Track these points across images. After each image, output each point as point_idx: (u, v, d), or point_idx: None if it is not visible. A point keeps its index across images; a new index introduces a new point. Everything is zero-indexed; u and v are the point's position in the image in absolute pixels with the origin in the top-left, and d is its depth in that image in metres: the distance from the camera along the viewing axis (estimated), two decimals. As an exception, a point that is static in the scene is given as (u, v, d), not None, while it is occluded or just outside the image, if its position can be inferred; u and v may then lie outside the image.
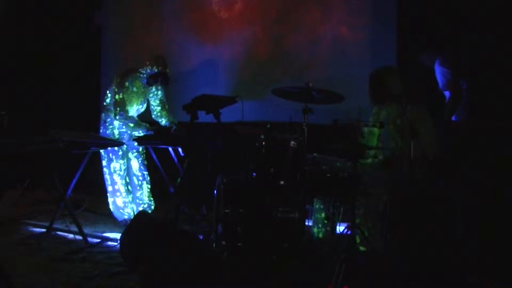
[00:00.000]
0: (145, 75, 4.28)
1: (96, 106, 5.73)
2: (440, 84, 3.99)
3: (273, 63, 4.99)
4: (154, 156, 4.52)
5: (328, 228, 3.47)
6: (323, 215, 3.53)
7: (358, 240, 3.28)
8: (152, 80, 4.31)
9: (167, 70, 4.30)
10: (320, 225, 3.64)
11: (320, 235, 3.62)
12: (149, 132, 4.17)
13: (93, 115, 5.65)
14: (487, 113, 3.98)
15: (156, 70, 4.24)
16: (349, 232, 3.07)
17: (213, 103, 4.05)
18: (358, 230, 3.22)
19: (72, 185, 4.13)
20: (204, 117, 4.07)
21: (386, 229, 3.35)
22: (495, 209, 3.76)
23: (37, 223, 4.37)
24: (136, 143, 4.23)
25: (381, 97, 3.62)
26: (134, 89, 4.25)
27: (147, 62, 4.26)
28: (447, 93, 3.98)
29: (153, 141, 4.22)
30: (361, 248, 3.31)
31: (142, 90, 4.32)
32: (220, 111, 4.03)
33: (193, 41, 5.30)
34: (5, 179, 4.76)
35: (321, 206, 3.61)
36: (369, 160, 3.63)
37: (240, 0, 5.12)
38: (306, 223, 3.48)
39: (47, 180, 4.76)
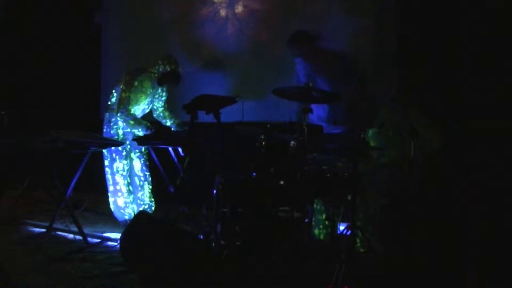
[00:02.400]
0: (156, 75, 4.28)
1: (96, 106, 5.74)
2: (301, 76, 4.52)
3: (273, 63, 4.98)
4: (154, 156, 4.52)
5: (329, 230, 3.47)
6: (324, 216, 3.53)
7: (358, 243, 3.29)
8: (164, 80, 4.31)
9: (179, 69, 4.32)
10: (321, 227, 3.64)
11: (322, 237, 3.63)
12: (149, 131, 4.16)
13: (93, 115, 5.67)
14: (487, 113, 3.99)
15: (169, 69, 4.26)
16: (349, 232, 3.07)
17: (213, 103, 4.04)
18: (359, 231, 3.22)
19: (72, 185, 4.14)
20: (204, 117, 4.07)
21: (386, 230, 3.36)
22: (495, 209, 3.76)
23: (37, 223, 4.37)
24: (136, 143, 4.23)
25: None
26: (143, 89, 4.23)
27: (159, 62, 4.27)
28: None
29: (153, 141, 4.22)
30: (361, 251, 3.31)
31: (151, 90, 4.32)
32: (220, 111, 4.02)
33: (192, 41, 5.29)
34: (5, 179, 4.76)
35: (322, 207, 3.61)
36: (372, 161, 3.64)
37: (240, 1, 5.12)
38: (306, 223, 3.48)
39: (47, 180, 4.77)
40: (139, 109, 4.32)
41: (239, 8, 5.13)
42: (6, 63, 5.79)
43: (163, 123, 4.59)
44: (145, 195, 4.44)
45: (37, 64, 5.86)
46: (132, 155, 4.39)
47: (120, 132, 4.29)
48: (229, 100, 4.12)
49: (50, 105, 5.81)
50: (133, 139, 4.21)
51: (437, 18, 4.31)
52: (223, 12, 5.19)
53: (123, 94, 4.16)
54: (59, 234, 4.13)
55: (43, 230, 4.15)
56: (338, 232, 3.33)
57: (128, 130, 4.26)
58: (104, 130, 4.34)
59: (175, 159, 4.54)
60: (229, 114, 4.13)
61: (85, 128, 4.89)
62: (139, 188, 4.42)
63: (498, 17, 4.07)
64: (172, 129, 4.54)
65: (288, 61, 4.90)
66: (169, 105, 4.63)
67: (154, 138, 4.15)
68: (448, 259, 3.41)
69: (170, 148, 4.51)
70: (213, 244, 3.48)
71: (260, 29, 5.07)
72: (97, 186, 5.00)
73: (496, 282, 3.20)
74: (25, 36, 5.90)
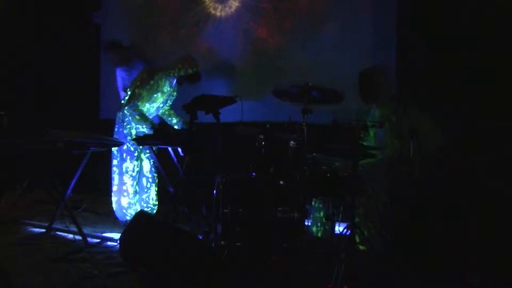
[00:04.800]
0: (176, 76, 4.31)
1: (96, 106, 5.74)
2: (119, 84, 5.00)
3: (274, 63, 4.98)
4: (154, 156, 4.52)
5: (327, 227, 3.47)
6: (322, 214, 3.53)
7: (357, 240, 3.28)
8: (186, 81, 4.38)
9: (199, 69, 4.38)
10: (319, 224, 3.64)
11: (319, 234, 3.63)
12: (152, 131, 4.16)
13: (93, 115, 5.67)
14: (487, 113, 3.99)
15: (191, 72, 4.32)
16: (348, 232, 3.07)
17: (213, 103, 4.04)
18: (358, 230, 3.22)
19: (72, 185, 4.14)
20: (203, 117, 4.07)
21: (386, 229, 3.35)
22: (495, 209, 3.76)
23: (37, 223, 4.37)
24: (136, 143, 4.22)
25: (371, 95, 3.66)
26: (159, 88, 4.25)
27: (179, 65, 4.30)
28: (123, 93, 4.85)
29: (153, 141, 4.22)
30: (361, 247, 3.31)
31: (168, 89, 4.33)
32: (220, 111, 4.03)
33: (192, 41, 5.29)
34: (5, 179, 4.76)
35: (320, 205, 3.62)
36: (370, 159, 3.63)
37: (240, 0, 5.12)
38: (306, 223, 3.48)
39: (47, 180, 4.76)
40: (154, 107, 4.34)
41: (237, 9, 5.12)
42: (6, 63, 5.78)
43: (168, 122, 4.61)
44: (150, 197, 4.44)
45: (37, 64, 5.86)
46: (142, 155, 4.40)
47: (134, 132, 4.28)
48: (228, 100, 4.13)
49: (50, 105, 5.80)
50: (132, 139, 4.20)
51: (437, 18, 4.31)
52: (221, 13, 5.18)
53: (136, 90, 4.17)
54: (59, 234, 4.13)
55: (43, 230, 4.15)
56: (337, 232, 3.33)
57: (140, 130, 4.25)
58: (116, 130, 4.33)
59: (175, 159, 4.55)
60: (228, 114, 4.13)
61: (85, 128, 4.89)
62: (145, 190, 4.42)
63: (499, 16, 4.07)
64: (177, 127, 4.55)
65: (287, 61, 4.91)
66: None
67: (153, 138, 4.15)
68: (448, 258, 3.41)
69: (169, 148, 4.51)
70: (213, 244, 3.48)
71: (258, 30, 5.07)
72: (97, 186, 5.01)
73: (496, 282, 3.20)
74: (25, 36, 5.90)
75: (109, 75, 5.64)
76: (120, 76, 5.02)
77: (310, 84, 3.45)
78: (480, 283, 3.19)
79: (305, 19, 4.87)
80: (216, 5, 5.18)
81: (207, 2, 5.22)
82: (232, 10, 5.13)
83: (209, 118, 4.03)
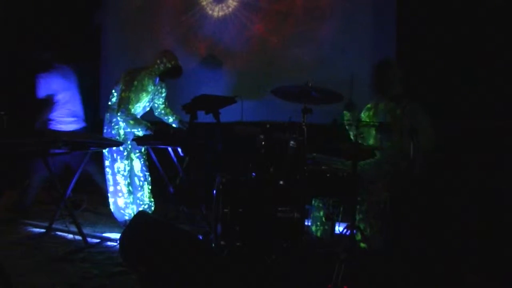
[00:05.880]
0: (156, 72, 4.30)
1: (95, 106, 5.74)
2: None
3: (273, 63, 4.98)
4: (154, 156, 4.52)
5: (327, 227, 3.47)
6: (321, 213, 3.53)
7: (359, 237, 3.28)
8: (166, 76, 4.36)
9: (178, 63, 4.35)
10: (318, 223, 3.64)
11: (319, 234, 3.63)
12: (148, 132, 4.16)
13: (93, 115, 5.66)
14: (487, 113, 4.00)
15: (170, 66, 4.30)
16: (348, 232, 3.07)
17: (213, 103, 4.04)
18: (359, 227, 3.22)
19: (72, 185, 4.14)
20: (203, 117, 4.07)
21: (386, 227, 3.35)
22: (495, 209, 3.76)
23: (37, 223, 4.37)
24: (136, 143, 4.23)
25: (384, 87, 3.64)
26: (144, 87, 4.24)
27: (158, 60, 4.29)
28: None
29: (153, 141, 4.22)
30: (362, 245, 3.31)
31: (152, 87, 4.33)
32: (220, 111, 4.03)
33: (192, 41, 5.29)
34: (5, 179, 4.76)
35: (320, 205, 3.62)
36: (368, 160, 3.63)
37: (240, 0, 5.12)
38: (306, 223, 3.48)
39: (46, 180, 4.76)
40: (140, 107, 4.33)
41: (237, 9, 5.12)
42: (6, 63, 5.78)
43: (165, 120, 4.61)
44: (144, 195, 4.44)
45: (37, 64, 5.86)
46: (132, 155, 4.40)
47: (122, 132, 4.29)
48: (228, 100, 4.13)
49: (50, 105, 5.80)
50: (133, 139, 4.21)
51: (437, 18, 4.31)
52: (221, 13, 5.19)
53: (123, 94, 4.16)
54: (58, 234, 4.13)
55: (43, 230, 4.15)
56: (337, 232, 3.33)
57: (128, 130, 4.26)
58: (105, 131, 4.34)
59: (175, 159, 4.55)
60: (228, 114, 4.14)
61: (85, 127, 4.89)
62: (139, 189, 4.43)
63: (498, 16, 4.08)
64: (174, 125, 4.55)
65: (287, 61, 4.91)
66: (169, 105, 4.65)
67: (153, 138, 4.15)
68: (448, 258, 3.41)
69: (169, 148, 4.51)
70: (213, 244, 3.48)
71: (258, 30, 5.07)
72: (97, 186, 5.00)
73: (496, 281, 3.20)
74: (25, 36, 5.90)
75: (108, 75, 5.65)
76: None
77: (310, 84, 3.44)
78: (480, 283, 3.19)
79: (304, 18, 4.87)
80: (215, 5, 5.18)
81: (206, 2, 5.22)
82: (231, 10, 5.13)
83: (209, 118, 4.03)
